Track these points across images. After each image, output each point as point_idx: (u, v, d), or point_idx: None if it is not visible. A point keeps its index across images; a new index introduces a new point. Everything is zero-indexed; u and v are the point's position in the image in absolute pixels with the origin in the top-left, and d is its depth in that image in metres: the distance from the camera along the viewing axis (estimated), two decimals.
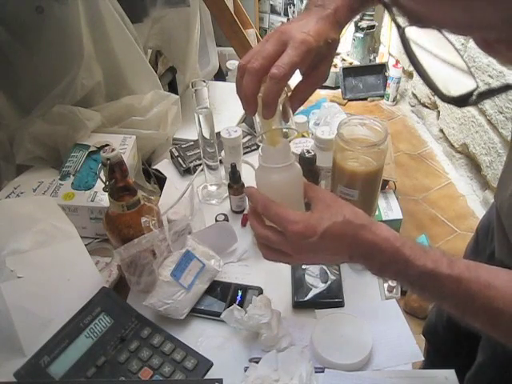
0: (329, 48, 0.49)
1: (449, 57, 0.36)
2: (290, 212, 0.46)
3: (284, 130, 0.50)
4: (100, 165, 0.85)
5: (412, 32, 0.34)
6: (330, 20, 0.49)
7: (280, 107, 0.48)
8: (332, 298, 0.69)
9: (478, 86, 0.34)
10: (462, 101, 0.34)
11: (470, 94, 0.34)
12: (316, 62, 0.50)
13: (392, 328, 0.65)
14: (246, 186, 0.82)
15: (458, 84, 0.35)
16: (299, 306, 0.69)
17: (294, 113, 0.51)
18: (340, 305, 0.68)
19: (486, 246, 0.78)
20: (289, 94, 0.50)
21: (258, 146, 1.02)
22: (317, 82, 0.52)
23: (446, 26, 0.32)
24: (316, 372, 0.59)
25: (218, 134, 0.87)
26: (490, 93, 0.34)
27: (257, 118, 0.48)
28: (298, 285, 0.71)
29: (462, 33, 0.33)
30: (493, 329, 0.45)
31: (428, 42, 0.34)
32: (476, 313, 0.44)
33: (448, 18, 0.30)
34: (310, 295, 0.69)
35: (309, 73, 0.51)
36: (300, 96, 0.52)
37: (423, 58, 0.34)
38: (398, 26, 0.34)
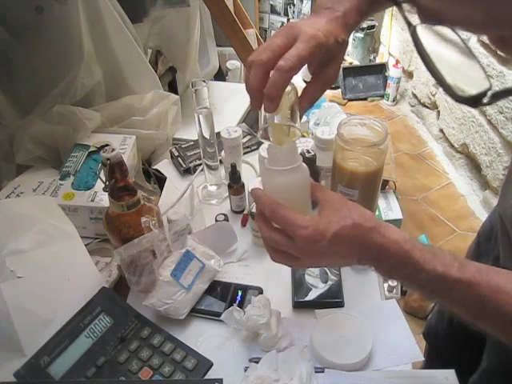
0: (338, 48, 0.49)
1: (460, 56, 0.35)
2: (298, 216, 0.45)
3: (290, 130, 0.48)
4: (100, 165, 0.85)
5: (422, 30, 0.33)
6: (339, 22, 0.48)
7: (289, 109, 0.47)
8: (332, 298, 0.69)
9: (491, 86, 0.33)
10: (475, 100, 0.34)
11: (484, 93, 0.33)
12: (325, 62, 0.49)
13: (392, 328, 0.65)
14: (248, 186, 0.81)
15: (471, 83, 0.34)
16: (299, 306, 0.69)
17: (302, 113, 0.50)
18: (340, 305, 0.68)
19: (490, 251, 0.77)
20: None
21: (258, 146, 1.02)
22: (326, 82, 0.51)
23: (462, 24, 0.31)
24: (316, 372, 0.58)
25: (218, 133, 0.87)
26: (506, 93, 0.33)
27: (262, 113, 0.47)
28: (298, 285, 0.71)
29: (477, 30, 0.32)
30: (503, 334, 0.44)
31: (438, 40, 0.34)
32: (486, 317, 0.43)
33: (466, 16, 0.30)
34: (310, 295, 0.69)
35: (318, 73, 0.50)
36: (309, 96, 0.50)
37: (435, 57, 0.33)
38: (409, 24, 0.33)
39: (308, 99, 0.50)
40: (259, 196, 0.48)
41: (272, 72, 0.43)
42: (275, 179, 0.48)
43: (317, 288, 0.70)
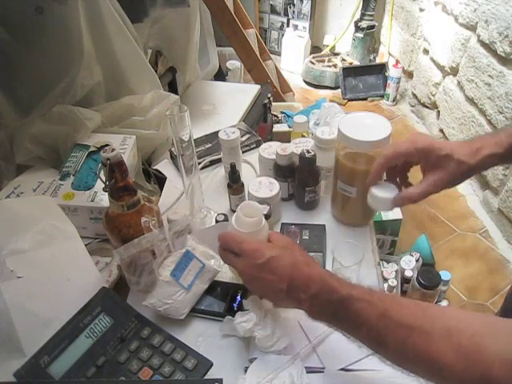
0: (445, 161, 0.58)
1: None
2: (246, 236, 0.57)
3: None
4: (100, 165, 0.85)
5: None
6: (472, 147, 0.58)
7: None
8: None
9: None
10: None
11: None
12: (434, 168, 0.59)
13: None
14: (248, 185, 0.81)
15: None
16: None
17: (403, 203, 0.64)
18: None
19: None
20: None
21: (258, 145, 1.02)
22: (430, 184, 0.60)
23: None
24: (316, 372, 0.59)
25: (216, 134, 0.87)
26: None
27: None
28: None
29: None
30: (402, 351, 0.44)
31: None
32: (389, 331, 0.44)
33: None
34: None
35: (425, 175, 0.61)
36: (409, 192, 0.62)
37: None
38: None
39: (409, 193, 0.62)
40: (220, 234, 0.58)
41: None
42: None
43: None
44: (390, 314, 0.44)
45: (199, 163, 0.96)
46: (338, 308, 0.48)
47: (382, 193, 0.63)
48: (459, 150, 0.58)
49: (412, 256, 1.53)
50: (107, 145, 0.88)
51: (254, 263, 0.53)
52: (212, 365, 0.58)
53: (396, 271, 1.47)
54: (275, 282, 0.52)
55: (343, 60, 3.05)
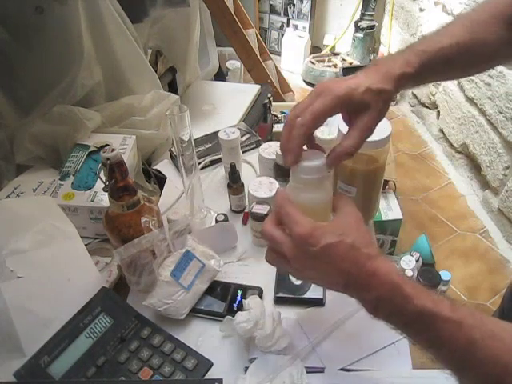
0: (374, 97, 0.49)
1: None
2: (301, 215, 0.45)
3: None
4: (100, 165, 0.85)
5: None
6: (380, 72, 0.51)
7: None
8: (313, 296, 0.68)
9: None
10: None
11: None
12: (359, 111, 0.50)
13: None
14: (247, 185, 0.81)
15: None
16: (280, 301, 0.69)
17: (338, 160, 0.52)
18: (320, 303, 0.68)
19: None
20: None
21: (258, 145, 1.02)
22: (362, 129, 0.51)
23: None
24: (316, 372, 0.59)
25: (216, 134, 0.87)
26: None
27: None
28: (281, 280, 0.70)
29: None
30: None
31: None
32: (474, 365, 0.39)
33: None
34: (291, 291, 0.69)
35: (353, 121, 0.52)
36: (345, 145, 0.51)
37: None
38: None
39: (344, 147, 0.51)
40: (278, 193, 0.49)
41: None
42: (296, 195, 0.50)
43: (298, 285, 0.69)
44: (481, 344, 0.38)
45: (199, 163, 0.96)
46: (414, 321, 0.41)
47: (311, 162, 0.51)
48: (371, 79, 0.51)
49: (412, 256, 1.53)
50: (107, 145, 0.88)
51: (306, 250, 0.44)
52: (212, 365, 0.58)
53: None
54: (330, 275, 0.45)
55: (343, 60, 3.05)
